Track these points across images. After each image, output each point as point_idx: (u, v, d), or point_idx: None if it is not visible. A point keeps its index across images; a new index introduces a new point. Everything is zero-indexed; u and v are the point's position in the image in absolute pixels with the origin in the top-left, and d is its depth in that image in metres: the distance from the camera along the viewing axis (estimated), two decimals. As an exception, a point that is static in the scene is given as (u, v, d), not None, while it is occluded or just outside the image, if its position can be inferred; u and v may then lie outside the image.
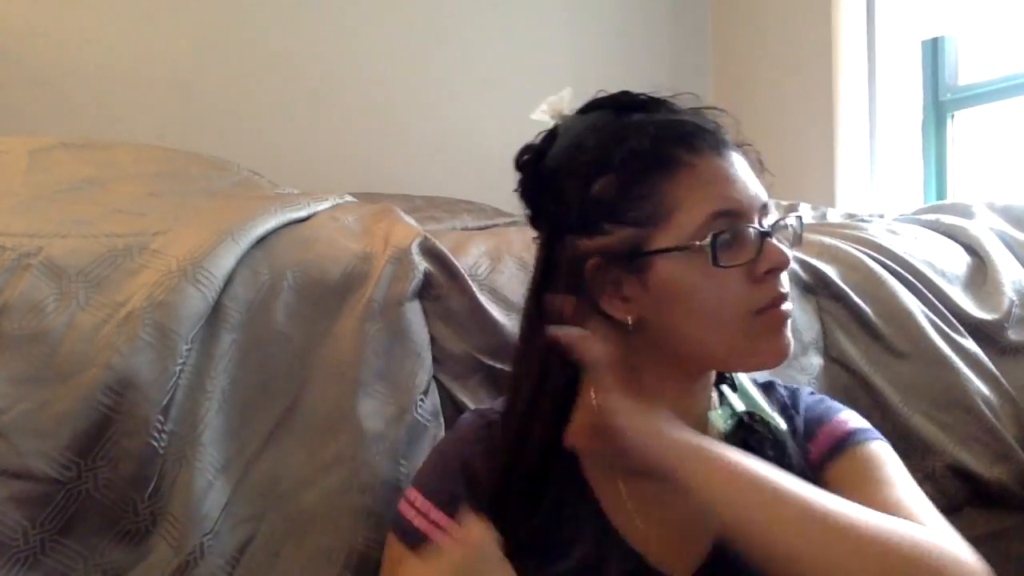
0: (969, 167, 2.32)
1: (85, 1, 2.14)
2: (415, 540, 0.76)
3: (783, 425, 0.80)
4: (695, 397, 0.80)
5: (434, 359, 0.95)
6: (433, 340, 0.95)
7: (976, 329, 1.23)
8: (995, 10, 2.09)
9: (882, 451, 0.81)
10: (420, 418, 0.89)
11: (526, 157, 0.82)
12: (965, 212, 1.51)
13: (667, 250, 0.73)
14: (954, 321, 1.22)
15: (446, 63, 2.53)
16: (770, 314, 0.74)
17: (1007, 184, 2.18)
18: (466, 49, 2.57)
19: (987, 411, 1.16)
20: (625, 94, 0.80)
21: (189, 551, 0.80)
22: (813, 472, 0.79)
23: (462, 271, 0.98)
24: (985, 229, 1.41)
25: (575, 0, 2.76)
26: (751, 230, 0.74)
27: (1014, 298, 1.28)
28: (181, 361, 0.82)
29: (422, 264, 0.96)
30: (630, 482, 0.78)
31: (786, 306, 0.75)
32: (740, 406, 0.80)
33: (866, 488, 0.75)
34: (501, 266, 1.02)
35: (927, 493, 1.13)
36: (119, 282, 0.83)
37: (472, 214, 1.76)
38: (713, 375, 0.82)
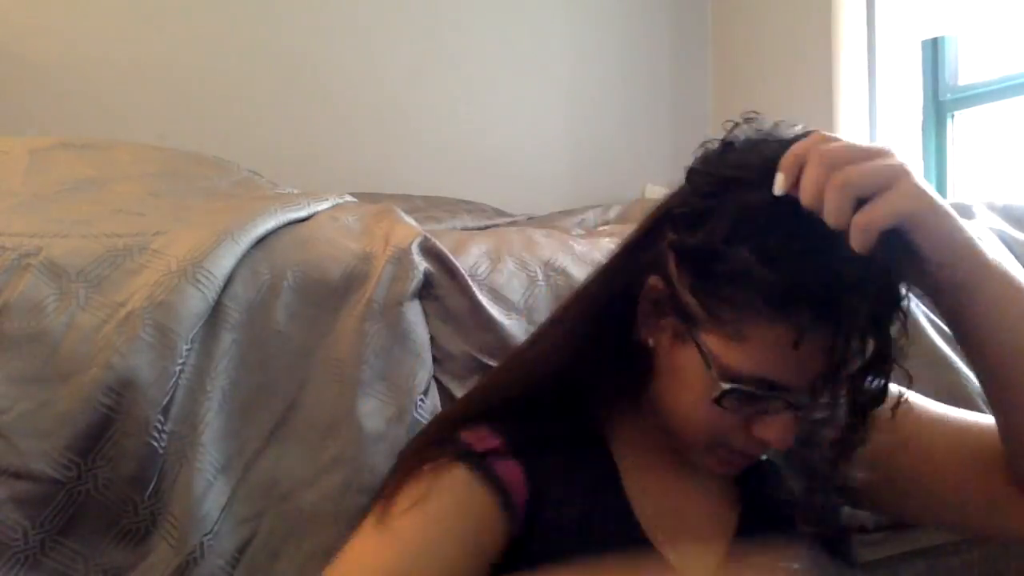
0: (969, 167, 2.32)
1: (85, 1, 2.14)
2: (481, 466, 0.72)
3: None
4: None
5: (434, 359, 0.95)
6: (433, 340, 0.95)
7: (976, 329, 1.23)
8: (995, 10, 2.09)
9: (915, 401, 0.80)
10: (420, 418, 0.89)
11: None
12: (965, 212, 1.51)
13: (703, 354, 0.68)
14: (954, 321, 1.22)
15: (446, 63, 2.53)
16: (731, 454, 0.73)
17: (1007, 184, 2.18)
18: (466, 49, 2.57)
19: (987, 411, 1.16)
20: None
21: (189, 551, 0.80)
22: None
23: (462, 271, 0.98)
24: (985, 229, 1.41)
25: (575, 1, 2.76)
26: (781, 400, 0.67)
27: (1014, 298, 1.28)
28: (181, 361, 0.82)
29: (422, 264, 0.96)
30: (652, 475, 0.77)
31: (745, 460, 0.74)
32: None
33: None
34: (501, 266, 1.02)
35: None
36: (119, 282, 0.84)
37: (472, 214, 1.76)
38: None
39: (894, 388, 0.73)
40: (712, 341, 0.67)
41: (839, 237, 0.61)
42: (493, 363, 0.95)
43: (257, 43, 2.30)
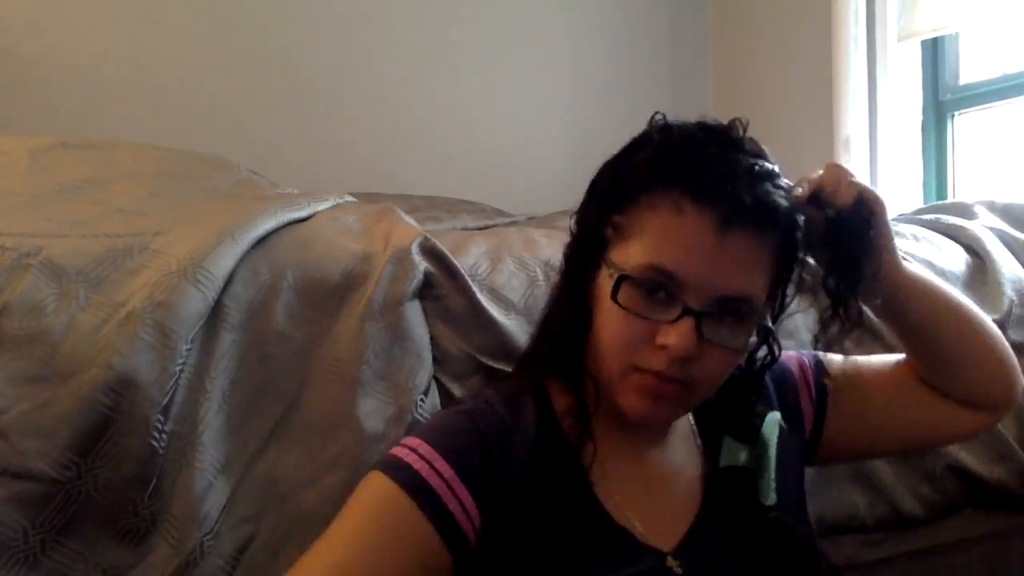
0: (969, 167, 2.32)
1: (85, 1, 2.14)
2: (412, 482, 0.72)
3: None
4: None
5: (434, 359, 0.95)
6: (433, 340, 0.95)
7: (976, 329, 1.23)
8: (995, 10, 2.09)
9: (834, 359, 0.95)
10: (420, 418, 0.89)
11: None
12: (965, 212, 1.51)
13: (604, 263, 0.77)
14: (954, 321, 1.22)
15: (446, 63, 2.53)
16: (642, 377, 0.75)
17: (1007, 184, 2.18)
18: (466, 49, 2.56)
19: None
20: (733, 131, 0.78)
21: (189, 551, 0.80)
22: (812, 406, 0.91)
23: (462, 271, 0.98)
24: (985, 229, 1.41)
25: (575, 1, 2.75)
26: (679, 301, 0.72)
27: (1014, 298, 1.28)
28: (181, 361, 0.81)
29: (422, 264, 0.96)
30: (612, 460, 0.80)
31: (675, 386, 0.75)
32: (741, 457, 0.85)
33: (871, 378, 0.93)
34: (501, 266, 1.02)
35: (927, 493, 1.14)
36: (119, 282, 0.83)
37: (472, 214, 1.76)
38: None
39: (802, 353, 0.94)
40: (615, 253, 0.77)
41: (725, 154, 0.74)
42: (493, 363, 0.95)
43: (257, 43, 2.30)
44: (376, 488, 0.73)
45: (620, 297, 0.73)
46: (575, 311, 0.80)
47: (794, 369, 0.93)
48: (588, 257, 0.80)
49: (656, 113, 0.80)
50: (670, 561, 0.75)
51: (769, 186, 0.73)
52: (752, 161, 0.74)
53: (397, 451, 0.75)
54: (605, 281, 0.77)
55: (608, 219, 0.78)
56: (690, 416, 0.87)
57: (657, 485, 0.81)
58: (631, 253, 0.75)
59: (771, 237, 0.74)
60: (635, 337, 0.74)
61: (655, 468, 0.83)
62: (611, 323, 0.76)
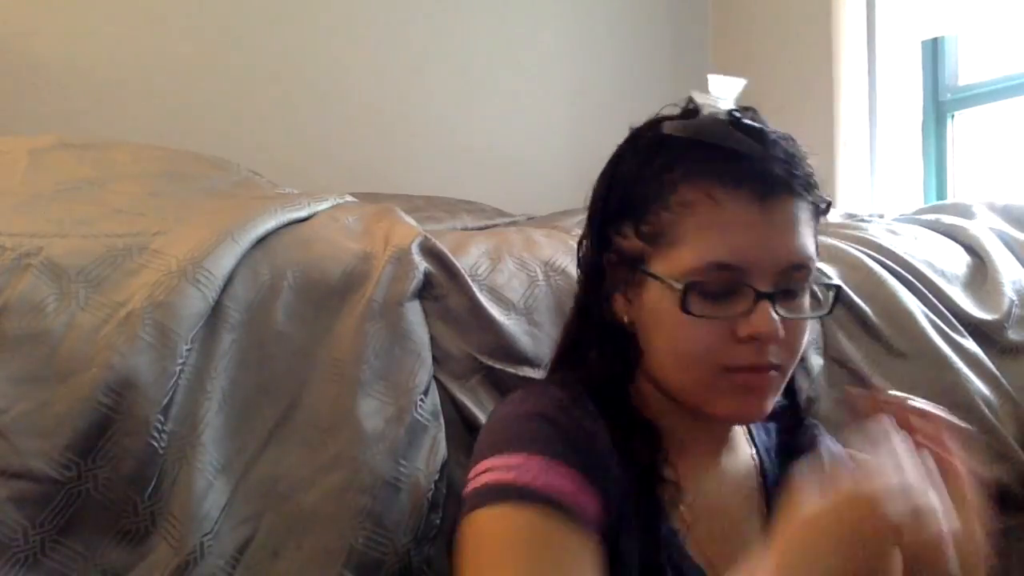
0: (969, 167, 2.32)
1: (85, 1, 2.14)
2: (550, 500, 0.64)
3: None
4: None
5: (434, 359, 0.95)
6: (433, 340, 0.95)
7: (976, 329, 1.23)
8: (995, 10, 2.09)
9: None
10: (420, 418, 0.89)
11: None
12: (965, 212, 1.51)
13: (656, 277, 0.72)
14: (954, 321, 1.22)
15: (446, 63, 2.52)
16: (740, 376, 0.71)
17: (1007, 184, 2.18)
18: (466, 49, 2.56)
19: (987, 411, 1.16)
20: (736, 112, 0.75)
21: (189, 551, 0.80)
22: None
23: (462, 271, 0.98)
24: (985, 229, 1.41)
25: (576, 1, 2.75)
26: (748, 288, 0.69)
27: (1014, 298, 1.28)
28: (181, 361, 0.81)
29: (422, 264, 0.96)
30: (696, 502, 0.75)
31: (771, 374, 0.71)
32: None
33: None
34: (501, 266, 1.02)
35: (927, 493, 1.14)
36: (119, 282, 0.83)
37: (472, 214, 1.76)
38: None
39: None
40: (660, 261, 0.72)
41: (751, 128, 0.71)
42: (493, 363, 0.95)
43: (257, 43, 2.30)
44: (515, 522, 0.64)
45: (691, 306, 0.69)
46: (618, 345, 0.76)
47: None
48: (622, 277, 0.75)
49: (634, 128, 0.78)
50: None
51: (789, 148, 0.72)
52: (767, 131, 0.72)
53: (502, 477, 0.66)
54: (658, 295, 0.72)
55: (633, 232, 0.73)
56: (744, 431, 0.83)
57: (729, 509, 0.76)
58: (682, 259, 0.70)
59: (804, 198, 0.72)
60: (716, 340, 0.70)
61: (725, 488, 0.78)
62: (683, 335, 0.71)
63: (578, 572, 0.63)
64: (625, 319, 0.76)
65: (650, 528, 0.71)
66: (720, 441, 0.80)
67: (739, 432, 0.82)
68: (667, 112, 0.77)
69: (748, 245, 0.69)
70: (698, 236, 0.70)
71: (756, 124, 0.72)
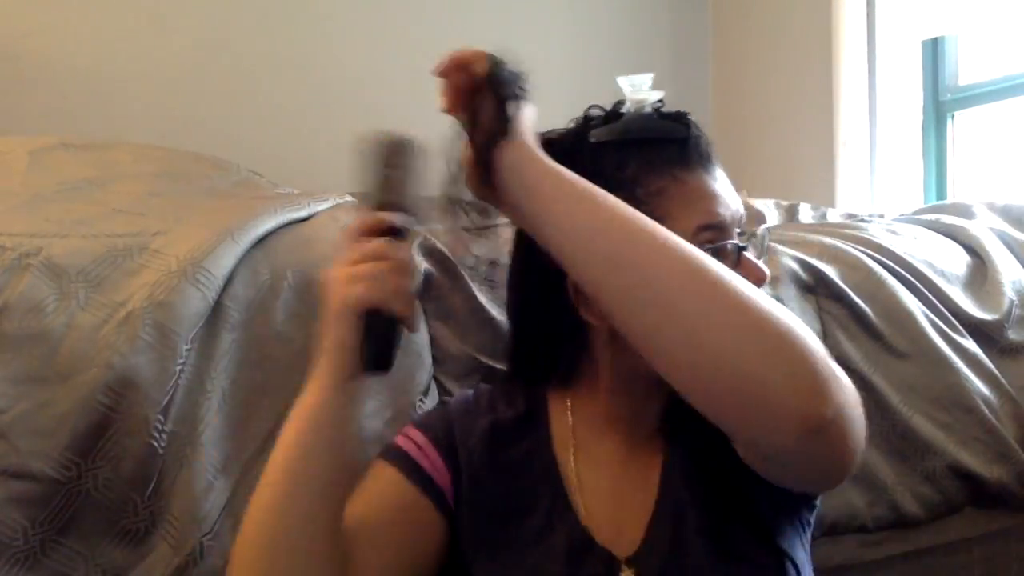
0: (969, 167, 2.32)
1: (85, 1, 2.14)
2: (391, 452, 0.79)
3: None
4: (656, 403, 0.81)
5: (434, 359, 0.95)
6: (433, 340, 0.95)
7: (976, 329, 1.23)
8: (995, 10, 2.09)
9: None
10: (420, 418, 0.89)
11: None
12: (965, 212, 1.51)
13: None
14: (954, 321, 1.22)
15: (446, 63, 2.53)
16: None
17: (1007, 184, 2.19)
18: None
19: (987, 411, 1.17)
20: (618, 103, 0.83)
21: (189, 551, 0.80)
22: None
23: (462, 271, 0.98)
24: (985, 229, 1.41)
25: (575, 1, 2.75)
26: (731, 244, 0.76)
27: (1014, 298, 1.28)
28: (181, 361, 0.81)
29: (422, 264, 0.96)
30: (583, 456, 0.80)
31: None
32: None
33: None
34: (501, 266, 1.02)
35: (927, 493, 1.14)
36: (119, 282, 0.83)
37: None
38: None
39: None
40: None
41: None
42: (493, 363, 0.95)
43: (257, 43, 2.30)
44: (372, 470, 0.79)
45: None
46: (567, 329, 0.80)
47: None
48: None
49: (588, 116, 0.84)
50: (624, 571, 0.74)
51: (698, 123, 0.81)
52: (683, 113, 0.81)
53: (400, 441, 0.81)
54: None
55: None
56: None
57: (620, 488, 0.79)
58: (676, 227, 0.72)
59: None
60: None
61: (623, 470, 0.81)
62: None
63: (385, 511, 0.75)
64: (600, 324, 0.77)
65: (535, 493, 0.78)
66: (648, 424, 0.81)
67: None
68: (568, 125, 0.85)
69: (718, 207, 0.77)
70: (678, 210, 0.75)
71: (673, 110, 0.81)
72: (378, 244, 0.70)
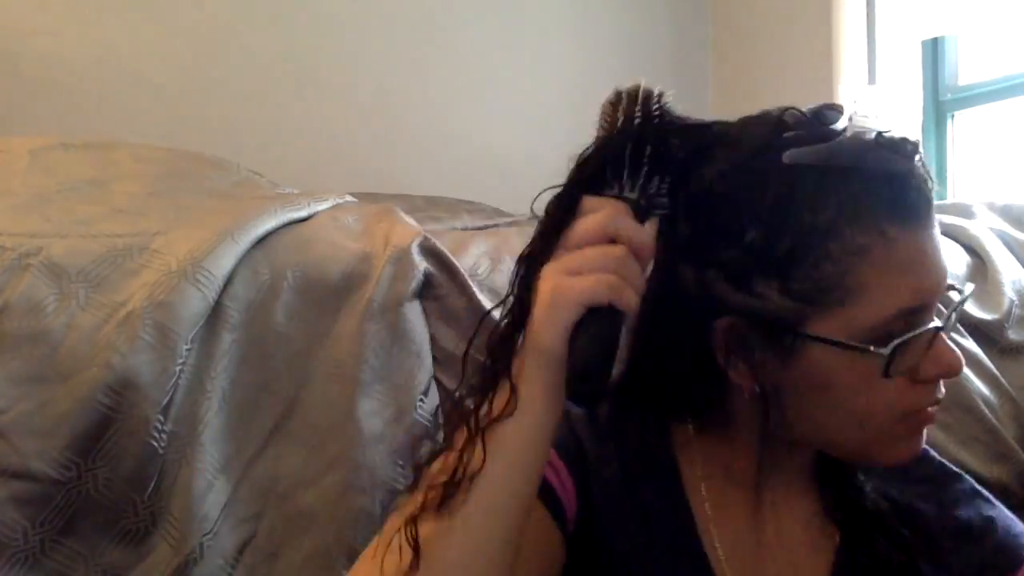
0: (969, 167, 2.32)
1: (85, 1, 2.14)
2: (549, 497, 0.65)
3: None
4: (792, 462, 0.71)
5: (434, 359, 0.94)
6: (433, 340, 0.95)
7: (976, 329, 1.23)
8: (995, 10, 2.09)
9: None
10: (419, 418, 0.89)
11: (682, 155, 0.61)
12: (965, 212, 1.51)
13: (832, 343, 0.60)
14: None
15: (447, 63, 2.52)
16: (918, 417, 0.64)
17: (1007, 184, 2.18)
18: (467, 49, 2.56)
19: (987, 411, 1.16)
20: (827, 111, 0.62)
21: (189, 551, 0.80)
22: None
23: (462, 271, 0.98)
24: (985, 229, 1.41)
25: (576, 1, 2.75)
26: (929, 330, 0.61)
27: (1014, 298, 1.28)
28: (181, 361, 0.82)
29: (422, 264, 0.96)
30: (720, 506, 0.69)
31: (933, 409, 0.65)
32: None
33: None
34: (501, 266, 1.02)
35: (927, 493, 1.14)
36: (119, 282, 0.83)
37: (472, 214, 1.76)
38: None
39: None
40: (830, 321, 0.60)
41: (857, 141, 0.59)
42: (493, 363, 0.95)
43: (257, 43, 2.30)
44: None
45: (893, 368, 0.60)
46: (703, 377, 0.66)
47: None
48: (749, 342, 0.62)
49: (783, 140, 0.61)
50: None
51: (922, 156, 0.62)
52: (908, 142, 0.61)
53: None
54: (829, 360, 0.61)
55: (778, 290, 0.60)
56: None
57: (773, 553, 0.69)
58: (860, 314, 0.59)
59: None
60: (897, 390, 0.62)
61: (772, 535, 0.70)
62: (873, 397, 0.61)
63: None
64: (746, 385, 0.64)
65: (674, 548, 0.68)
66: (787, 480, 0.71)
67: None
68: (772, 133, 0.61)
69: (929, 283, 0.61)
70: (880, 283, 0.59)
71: (896, 136, 0.60)
72: (619, 231, 0.55)
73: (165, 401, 0.80)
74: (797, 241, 0.59)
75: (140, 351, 0.80)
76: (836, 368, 0.61)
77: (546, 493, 0.64)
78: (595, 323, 0.54)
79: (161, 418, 0.80)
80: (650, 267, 0.60)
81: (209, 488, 0.82)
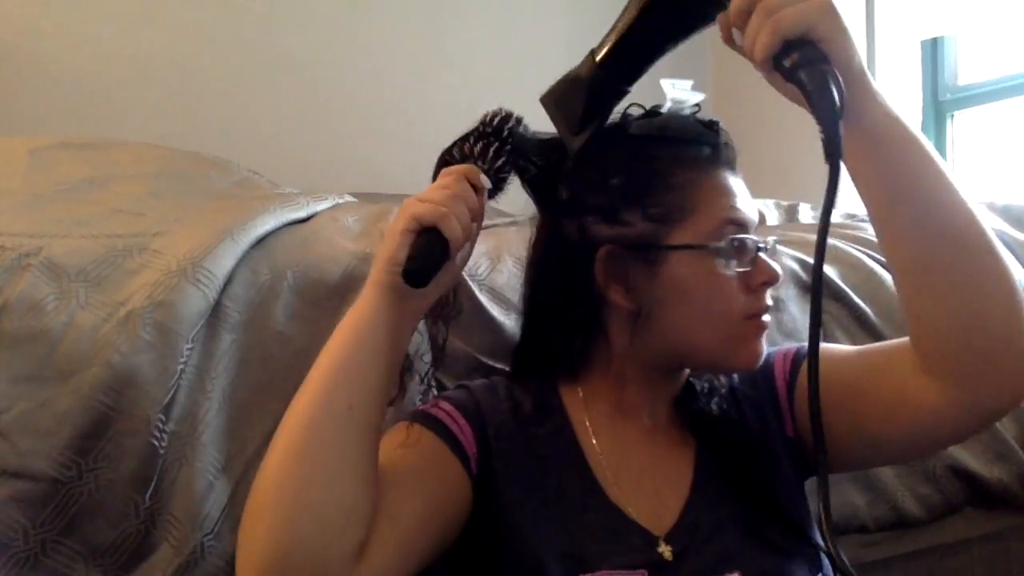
0: (969, 167, 2.32)
1: (85, 1, 2.14)
2: (420, 415, 0.81)
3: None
4: (667, 392, 0.87)
5: (434, 359, 0.94)
6: (433, 340, 0.95)
7: (976, 329, 1.23)
8: (995, 10, 2.09)
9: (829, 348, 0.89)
10: (420, 418, 0.89)
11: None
12: (965, 212, 1.50)
13: (685, 247, 0.79)
14: (954, 321, 1.22)
15: (447, 63, 2.53)
16: (755, 322, 0.81)
17: (1007, 184, 2.19)
18: (466, 49, 2.56)
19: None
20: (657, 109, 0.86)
21: (190, 551, 0.80)
22: (788, 402, 0.87)
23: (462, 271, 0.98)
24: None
25: (575, 2, 2.75)
26: (751, 242, 0.80)
27: (1014, 298, 1.27)
28: (183, 360, 0.81)
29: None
30: (605, 442, 0.83)
31: (766, 318, 0.82)
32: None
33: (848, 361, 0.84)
34: (501, 266, 1.02)
35: (927, 493, 1.14)
36: (119, 282, 0.83)
37: (472, 214, 1.76)
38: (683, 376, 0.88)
39: (795, 346, 0.91)
40: (680, 233, 0.79)
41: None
42: (493, 363, 0.95)
43: (257, 43, 2.30)
44: (394, 429, 0.81)
45: (721, 266, 0.78)
46: (587, 313, 0.83)
47: (776, 360, 0.89)
48: (623, 266, 0.80)
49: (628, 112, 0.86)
50: (661, 546, 0.77)
51: (726, 131, 0.86)
52: (716, 121, 0.86)
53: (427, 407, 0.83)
54: (684, 265, 0.79)
55: (640, 216, 0.80)
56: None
57: (650, 471, 0.83)
58: (700, 224, 0.79)
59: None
60: (741, 291, 0.79)
61: (648, 454, 0.84)
62: (717, 294, 0.79)
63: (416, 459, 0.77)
64: (624, 304, 0.81)
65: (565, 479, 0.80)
66: (661, 413, 0.86)
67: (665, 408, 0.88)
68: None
69: (740, 206, 0.81)
70: (708, 202, 0.80)
71: (707, 118, 0.86)
72: (456, 178, 0.75)
73: (166, 400, 0.80)
74: (647, 180, 0.80)
75: (140, 350, 0.80)
76: (691, 274, 0.79)
77: (451, 440, 0.78)
78: (426, 236, 0.71)
79: (162, 418, 0.80)
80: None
81: (210, 488, 0.82)
